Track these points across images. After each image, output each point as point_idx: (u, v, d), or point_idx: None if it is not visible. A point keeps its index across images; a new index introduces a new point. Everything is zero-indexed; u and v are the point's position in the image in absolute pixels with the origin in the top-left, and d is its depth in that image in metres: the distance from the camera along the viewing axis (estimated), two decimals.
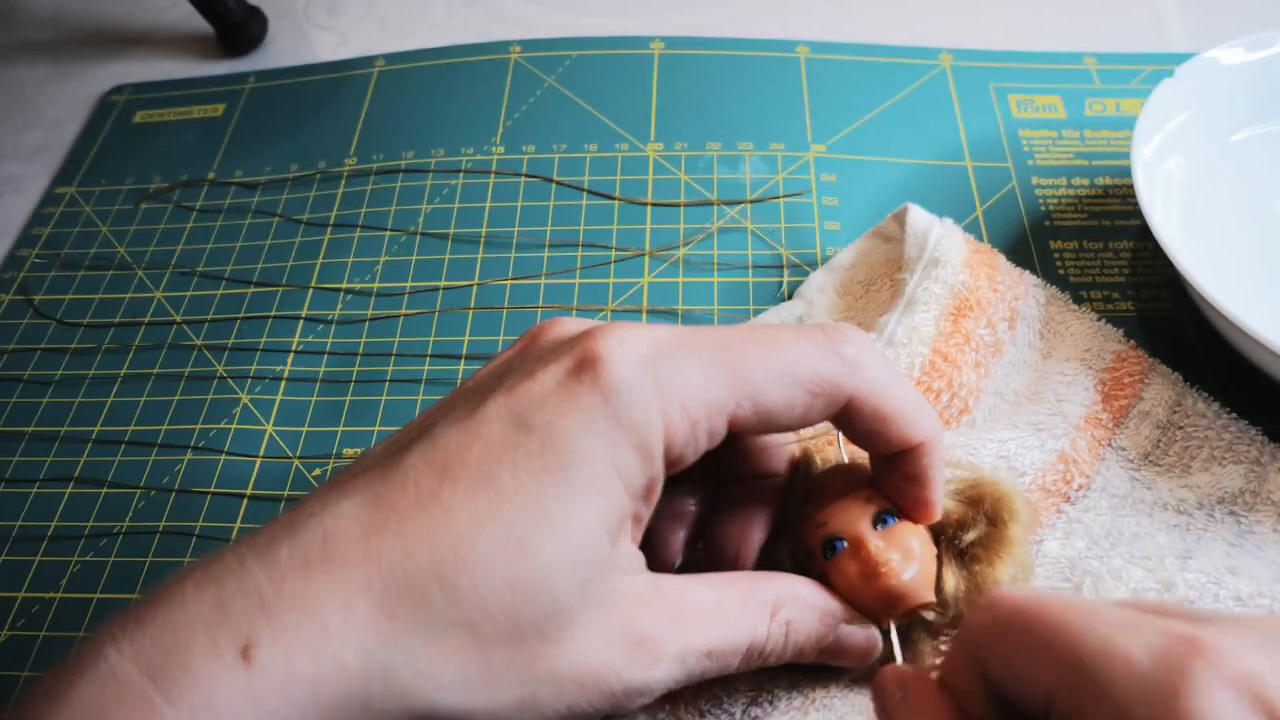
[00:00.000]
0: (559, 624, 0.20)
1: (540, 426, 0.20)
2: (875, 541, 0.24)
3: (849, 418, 0.23)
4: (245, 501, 0.35)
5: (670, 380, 0.21)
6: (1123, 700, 0.16)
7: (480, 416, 0.21)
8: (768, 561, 0.26)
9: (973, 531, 0.25)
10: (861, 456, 0.26)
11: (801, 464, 0.27)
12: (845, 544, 0.24)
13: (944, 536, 0.26)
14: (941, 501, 0.25)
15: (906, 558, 0.24)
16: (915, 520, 0.25)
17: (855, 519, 0.24)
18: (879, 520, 0.24)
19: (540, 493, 0.20)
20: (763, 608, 0.23)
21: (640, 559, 0.23)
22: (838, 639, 0.24)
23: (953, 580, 0.25)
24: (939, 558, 0.25)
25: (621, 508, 0.21)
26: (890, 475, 0.24)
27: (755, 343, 0.22)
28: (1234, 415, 0.31)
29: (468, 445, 0.20)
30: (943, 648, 0.26)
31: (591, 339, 0.21)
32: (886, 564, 0.24)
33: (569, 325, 0.24)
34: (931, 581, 0.24)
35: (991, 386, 0.32)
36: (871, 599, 0.24)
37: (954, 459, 0.29)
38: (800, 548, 0.25)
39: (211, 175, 0.47)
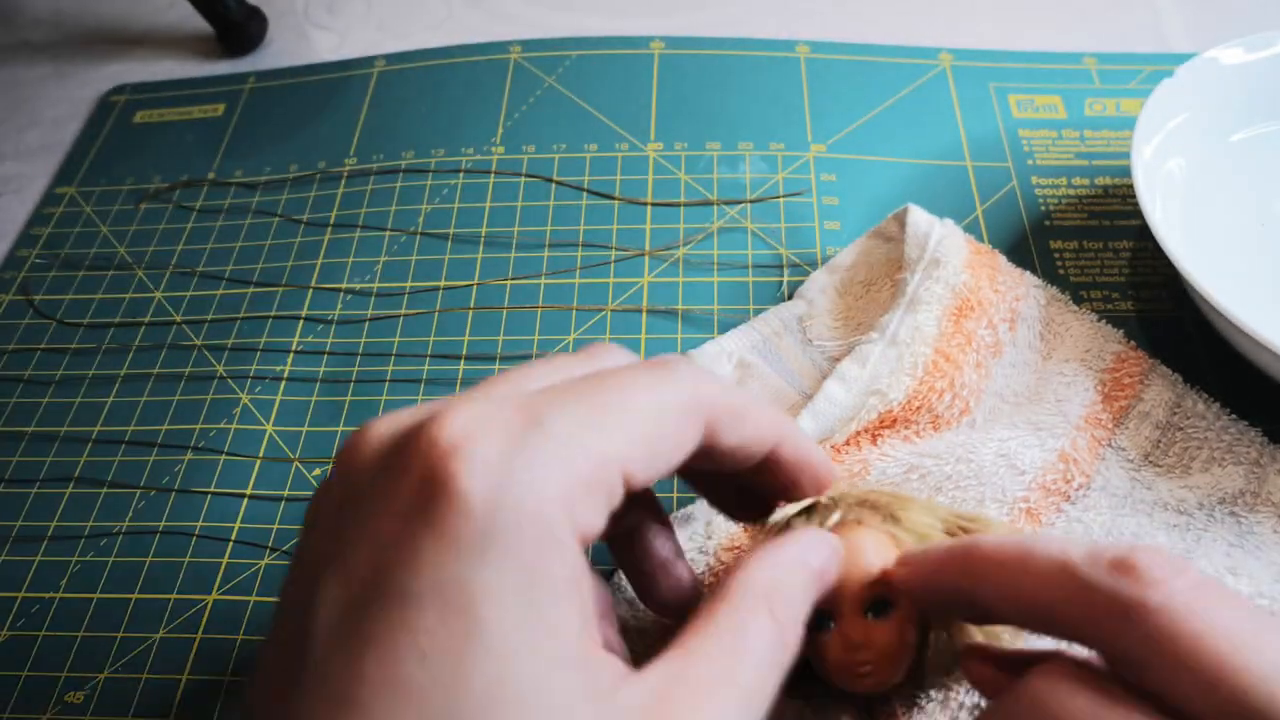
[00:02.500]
0: None
1: (454, 598, 0.16)
2: (857, 639, 0.23)
3: (714, 435, 0.21)
4: (245, 501, 0.35)
5: (553, 456, 0.18)
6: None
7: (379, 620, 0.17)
8: None
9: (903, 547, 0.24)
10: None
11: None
12: (833, 625, 0.23)
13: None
14: (829, 465, 0.24)
15: (884, 659, 0.23)
16: (821, 487, 0.23)
17: (850, 601, 0.23)
18: (873, 607, 0.23)
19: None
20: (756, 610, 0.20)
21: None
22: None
23: (931, 660, 0.24)
24: (924, 629, 0.24)
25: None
26: (772, 478, 0.23)
27: (614, 386, 0.20)
28: (1234, 416, 0.31)
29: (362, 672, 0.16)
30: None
31: (426, 445, 0.18)
32: (863, 665, 0.23)
33: (384, 428, 0.20)
34: (904, 665, 0.23)
35: (992, 387, 0.32)
36: (839, 684, 0.23)
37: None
38: None
39: (211, 175, 0.47)
